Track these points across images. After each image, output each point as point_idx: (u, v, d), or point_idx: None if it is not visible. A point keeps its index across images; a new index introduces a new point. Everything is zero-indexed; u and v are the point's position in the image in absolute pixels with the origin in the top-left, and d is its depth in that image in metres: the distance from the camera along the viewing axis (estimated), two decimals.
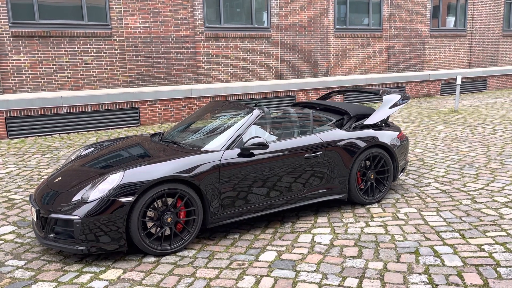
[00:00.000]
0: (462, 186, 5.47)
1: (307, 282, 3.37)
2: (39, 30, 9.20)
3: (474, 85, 15.89)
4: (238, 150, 4.28)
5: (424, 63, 14.94)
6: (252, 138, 4.28)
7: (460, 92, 14.96)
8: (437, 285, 3.24)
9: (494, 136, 8.27)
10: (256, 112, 4.60)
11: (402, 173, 5.46)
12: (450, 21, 15.53)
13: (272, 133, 5.05)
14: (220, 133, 4.54)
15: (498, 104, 12.56)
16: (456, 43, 15.64)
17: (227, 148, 4.26)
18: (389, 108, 5.33)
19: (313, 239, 4.17)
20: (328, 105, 5.62)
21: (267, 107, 4.94)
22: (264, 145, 4.25)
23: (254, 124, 4.62)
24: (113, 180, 3.78)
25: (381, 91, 5.71)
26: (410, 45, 14.50)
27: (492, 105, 12.40)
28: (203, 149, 4.30)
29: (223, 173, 4.13)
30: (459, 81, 10.87)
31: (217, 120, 5.05)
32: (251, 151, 4.30)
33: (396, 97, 5.46)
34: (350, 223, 4.52)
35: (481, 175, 5.91)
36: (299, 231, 4.36)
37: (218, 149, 4.24)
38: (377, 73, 14.09)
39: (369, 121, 5.18)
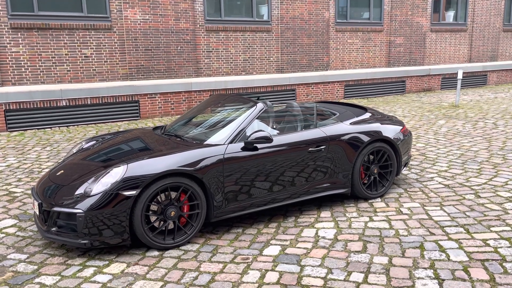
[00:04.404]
0: (465, 181, 5.46)
1: (312, 277, 3.35)
2: (38, 22, 9.12)
3: (474, 79, 15.86)
4: (242, 144, 4.24)
5: (424, 57, 14.89)
6: (256, 132, 4.25)
7: (460, 86, 14.91)
8: (443, 280, 3.22)
9: (495, 131, 8.26)
10: (260, 105, 4.56)
11: (405, 168, 5.44)
12: (451, 15, 15.46)
13: (275, 127, 5.02)
14: (223, 126, 4.51)
15: (499, 99, 12.55)
16: (457, 37, 15.59)
17: (231, 142, 4.23)
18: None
19: (317, 233, 4.15)
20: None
21: (269, 101, 4.88)
22: (268, 139, 4.22)
23: (258, 117, 4.57)
24: (116, 174, 3.75)
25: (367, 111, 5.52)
26: (411, 39, 14.45)
27: (492, 100, 12.38)
28: (206, 142, 4.26)
29: (227, 167, 4.10)
30: (460, 76, 10.84)
31: (219, 113, 5.01)
32: (254, 145, 4.27)
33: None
34: (354, 217, 4.50)
35: (484, 170, 5.90)
36: (303, 226, 4.34)
37: (221, 143, 4.21)
38: (378, 67, 14.04)
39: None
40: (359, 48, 13.59)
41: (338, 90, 12.89)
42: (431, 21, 14.79)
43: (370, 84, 13.40)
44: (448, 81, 15.19)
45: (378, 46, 13.93)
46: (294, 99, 12.15)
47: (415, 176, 5.75)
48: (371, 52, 13.83)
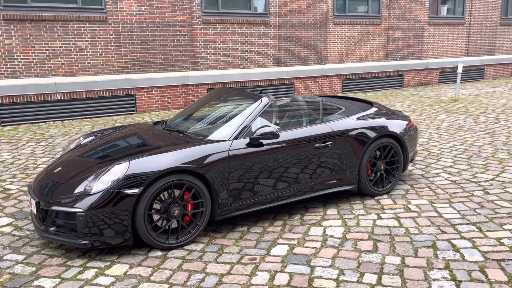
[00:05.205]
0: (472, 177, 5.35)
1: (324, 279, 3.22)
2: (31, 13, 8.87)
3: (472, 74, 15.79)
4: (247, 140, 4.10)
5: (422, 51, 14.78)
6: (262, 127, 4.10)
7: (460, 80, 14.83)
8: (460, 281, 3.11)
9: (497, 125, 8.17)
10: (265, 100, 4.41)
11: (410, 164, 5.32)
12: (449, 8, 15.35)
13: (279, 122, 4.88)
14: (227, 121, 4.36)
15: (497, 93, 12.48)
16: (455, 31, 15.49)
17: (236, 138, 4.08)
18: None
19: (324, 232, 4.03)
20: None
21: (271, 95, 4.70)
22: (274, 135, 4.07)
23: (263, 112, 4.42)
24: (117, 171, 3.59)
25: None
26: (409, 32, 14.32)
27: (491, 94, 12.31)
28: (211, 138, 4.11)
29: (232, 164, 3.96)
30: (460, 70, 10.74)
31: (223, 108, 4.86)
32: (260, 141, 4.13)
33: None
34: (361, 215, 4.38)
35: (490, 165, 5.80)
36: (309, 224, 4.21)
37: (226, 139, 4.06)
38: (376, 61, 13.91)
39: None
40: (357, 42, 13.44)
41: (337, 84, 12.76)
42: (429, 14, 14.66)
43: (369, 78, 13.28)
44: (446, 75, 15.10)
45: (376, 39, 13.80)
46: (292, 93, 12.00)
47: (420, 172, 5.64)
48: (369, 45, 13.70)
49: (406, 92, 13.05)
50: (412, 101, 11.15)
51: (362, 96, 12.19)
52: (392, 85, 13.89)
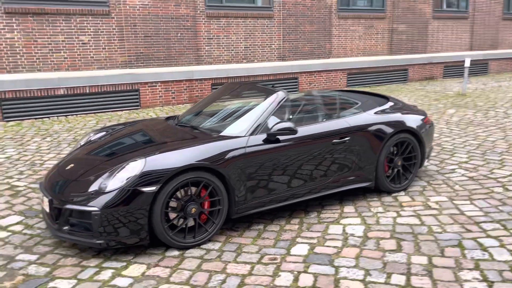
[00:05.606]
0: (489, 173, 5.25)
1: (350, 280, 3.11)
2: (33, 6, 8.70)
3: (476, 68, 15.67)
4: (264, 136, 3.98)
5: (426, 45, 14.65)
6: (279, 123, 3.98)
7: (462, 75, 14.72)
8: (493, 282, 3.01)
9: (508, 120, 8.06)
10: (281, 94, 4.29)
11: (426, 160, 5.21)
12: (453, 2, 15.20)
13: (296, 117, 4.75)
14: (243, 117, 4.23)
15: (503, 87, 12.37)
16: (459, 25, 15.35)
17: (252, 134, 3.96)
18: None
19: (344, 230, 3.92)
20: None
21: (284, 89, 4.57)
22: (292, 130, 3.96)
23: (280, 107, 4.29)
24: (133, 168, 3.47)
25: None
26: (414, 26, 14.18)
27: (497, 88, 12.20)
28: (226, 134, 3.99)
29: (249, 160, 3.84)
30: (467, 64, 10.63)
31: (236, 103, 4.73)
32: (277, 136, 4.01)
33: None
34: (380, 212, 4.28)
35: (506, 161, 5.69)
36: (327, 222, 4.10)
37: (242, 135, 3.94)
38: (380, 55, 13.77)
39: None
40: (362, 36, 13.29)
41: (341, 79, 12.63)
42: (433, 8, 14.52)
43: (373, 72, 13.16)
44: (450, 69, 14.98)
45: (380, 33, 13.65)
46: (296, 88, 11.87)
47: (435, 167, 5.53)
48: (374, 39, 13.55)
49: (411, 86, 12.93)
50: (418, 96, 11.04)
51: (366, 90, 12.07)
52: (396, 79, 13.77)
